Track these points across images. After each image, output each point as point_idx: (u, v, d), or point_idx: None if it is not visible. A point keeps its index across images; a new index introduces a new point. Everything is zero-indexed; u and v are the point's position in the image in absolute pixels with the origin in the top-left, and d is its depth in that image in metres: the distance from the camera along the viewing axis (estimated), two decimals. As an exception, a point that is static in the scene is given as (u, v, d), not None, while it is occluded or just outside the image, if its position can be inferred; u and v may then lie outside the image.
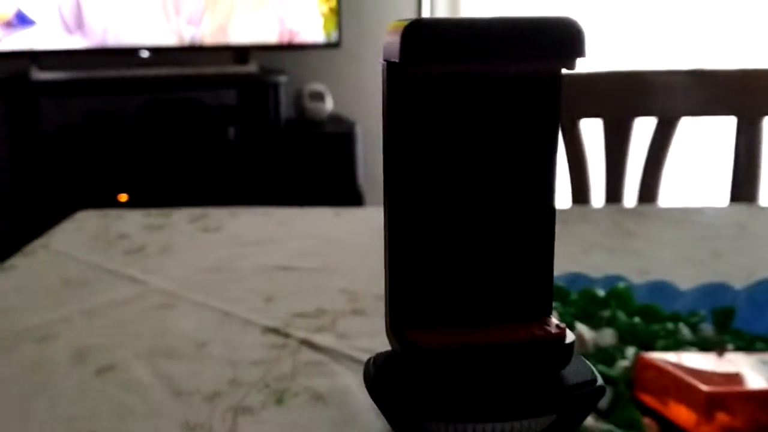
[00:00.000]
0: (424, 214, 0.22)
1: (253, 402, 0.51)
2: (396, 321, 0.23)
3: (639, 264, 0.76)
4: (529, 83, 0.21)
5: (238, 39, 2.28)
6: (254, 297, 0.70)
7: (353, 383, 0.54)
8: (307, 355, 0.59)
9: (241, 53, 2.31)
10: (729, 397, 0.38)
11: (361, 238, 0.88)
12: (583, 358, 0.23)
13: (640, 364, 0.42)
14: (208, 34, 2.26)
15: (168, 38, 2.25)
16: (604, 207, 1.06)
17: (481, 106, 0.21)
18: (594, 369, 0.23)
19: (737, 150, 1.09)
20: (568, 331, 0.22)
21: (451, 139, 0.21)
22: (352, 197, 2.28)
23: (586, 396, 0.22)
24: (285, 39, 2.29)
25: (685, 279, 0.59)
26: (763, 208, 1.02)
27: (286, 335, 0.62)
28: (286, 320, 0.65)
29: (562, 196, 1.14)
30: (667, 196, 1.15)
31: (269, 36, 2.29)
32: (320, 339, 0.61)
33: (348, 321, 0.65)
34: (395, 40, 0.21)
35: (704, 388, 0.38)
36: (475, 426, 0.21)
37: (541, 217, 0.22)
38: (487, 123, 0.21)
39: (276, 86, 2.27)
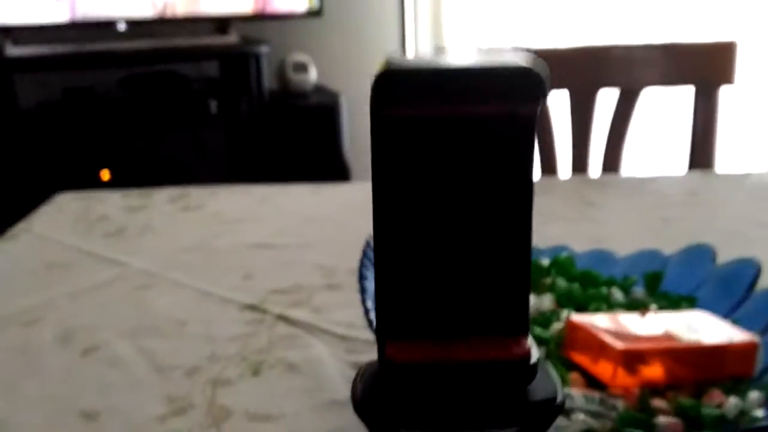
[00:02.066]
0: (407, 239, 0.24)
1: (231, 374, 0.56)
2: (381, 333, 0.25)
3: (593, 232, 0.81)
4: (498, 125, 0.23)
5: (215, 8, 2.28)
6: (233, 275, 0.74)
7: (326, 354, 0.58)
8: (283, 329, 0.63)
9: (221, 24, 2.32)
10: (641, 353, 0.43)
11: (338, 214, 0.91)
12: (553, 373, 0.26)
13: (568, 325, 0.47)
14: (181, 2, 2.26)
15: (142, 8, 2.25)
16: (568, 178, 1.10)
17: (455, 146, 0.24)
18: (559, 385, 0.25)
19: (695, 118, 1.14)
20: (533, 352, 0.25)
21: (430, 174, 0.24)
22: (337, 169, 2.31)
23: (545, 412, 0.25)
24: (261, 8, 2.29)
25: (634, 245, 0.63)
26: (716, 175, 1.07)
27: (264, 311, 0.66)
28: (263, 297, 0.69)
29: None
30: (630, 166, 1.20)
31: (248, 5, 2.29)
32: (296, 313, 0.65)
33: (323, 295, 0.69)
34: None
35: (618, 345, 0.43)
36: None
37: (517, 246, 0.24)
38: (461, 161, 0.24)
39: (257, 57, 2.28)
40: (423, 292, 0.25)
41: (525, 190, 0.24)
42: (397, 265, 0.24)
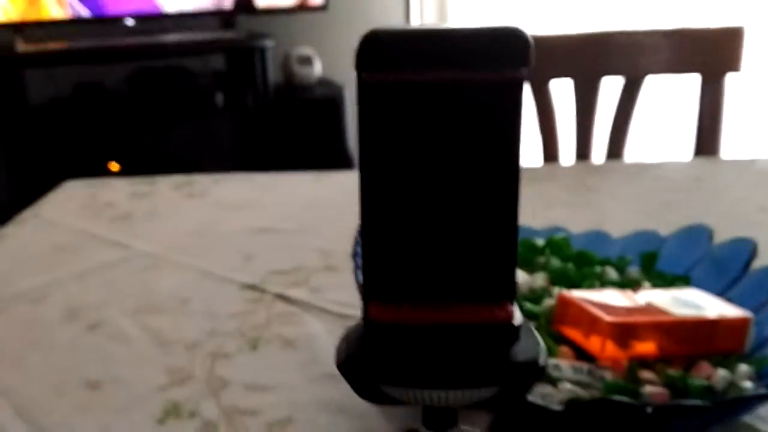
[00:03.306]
0: (393, 206, 0.24)
1: (230, 348, 0.57)
2: (367, 295, 0.25)
3: (594, 217, 0.81)
4: (484, 90, 0.23)
5: (221, 3, 2.30)
6: (234, 257, 0.75)
7: (321, 330, 0.59)
8: (280, 307, 0.64)
9: (227, 19, 2.33)
10: (632, 326, 0.44)
11: (339, 200, 0.93)
12: (537, 337, 0.26)
13: (559, 301, 0.47)
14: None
15: (149, 4, 2.27)
16: (570, 165, 1.10)
17: (441, 112, 0.23)
18: (542, 349, 0.25)
19: (701, 106, 1.13)
20: (516, 315, 0.25)
21: (416, 140, 0.24)
22: (341, 160, 2.32)
23: (526, 374, 0.25)
24: (266, 3, 2.31)
25: (634, 229, 0.63)
26: (721, 162, 1.07)
27: (262, 290, 0.67)
28: (262, 277, 0.70)
29: (533, 155, 1.18)
30: (635, 153, 1.20)
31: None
32: (294, 293, 0.66)
33: (321, 276, 0.70)
34: None
35: (608, 319, 0.44)
36: (423, 392, 0.25)
37: (504, 213, 0.24)
38: (448, 128, 0.24)
39: (263, 51, 2.30)
40: (408, 255, 0.25)
41: (512, 156, 0.24)
42: (383, 228, 0.25)
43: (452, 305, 0.25)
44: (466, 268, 0.25)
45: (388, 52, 0.23)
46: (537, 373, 0.25)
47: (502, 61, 0.23)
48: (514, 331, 0.25)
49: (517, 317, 0.25)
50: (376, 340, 0.25)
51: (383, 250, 0.25)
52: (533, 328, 0.27)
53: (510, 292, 0.25)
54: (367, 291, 0.26)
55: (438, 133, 0.24)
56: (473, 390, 0.25)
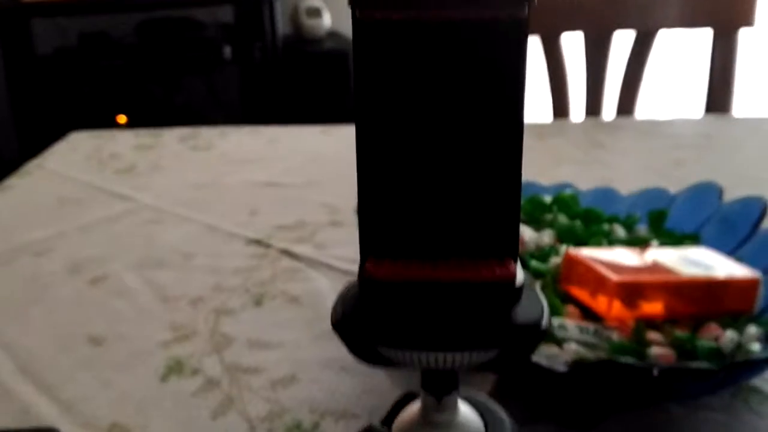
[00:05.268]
0: (390, 155, 0.23)
1: (234, 304, 0.57)
2: (363, 251, 0.24)
3: (604, 174, 0.80)
4: (484, 30, 0.22)
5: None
6: (239, 211, 0.75)
7: (326, 287, 0.59)
8: (286, 263, 0.64)
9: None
10: (638, 286, 0.43)
11: (346, 154, 0.91)
12: (540, 296, 0.24)
13: (566, 259, 0.47)
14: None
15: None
16: (580, 121, 1.08)
17: (440, 54, 0.22)
18: (545, 310, 0.24)
19: (713, 62, 1.11)
20: (519, 275, 0.23)
21: (413, 84, 0.22)
22: (350, 115, 2.29)
23: (528, 336, 0.23)
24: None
25: (644, 186, 0.63)
26: (732, 119, 1.04)
27: (268, 246, 0.67)
28: (268, 232, 0.69)
29: (543, 110, 1.16)
30: (646, 109, 1.17)
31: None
32: (299, 249, 0.66)
33: (326, 232, 0.69)
34: None
35: (614, 278, 0.43)
36: (420, 354, 0.23)
37: (507, 165, 0.23)
38: (447, 71, 0.22)
39: (271, 2, 2.26)
40: (406, 209, 0.23)
41: (515, 102, 0.22)
42: (380, 179, 0.23)
43: (452, 262, 0.24)
44: (466, 223, 0.23)
45: None
46: (539, 336, 0.24)
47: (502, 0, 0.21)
48: (516, 291, 0.24)
49: (520, 276, 0.24)
50: (372, 299, 0.24)
51: (380, 203, 0.24)
52: (537, 289, 0.26)
53: (512, 249, 0.24)
54: (363, 246, 0.24)
55: (437, 77, 0.22)
56: (472, 352, 0.24)
